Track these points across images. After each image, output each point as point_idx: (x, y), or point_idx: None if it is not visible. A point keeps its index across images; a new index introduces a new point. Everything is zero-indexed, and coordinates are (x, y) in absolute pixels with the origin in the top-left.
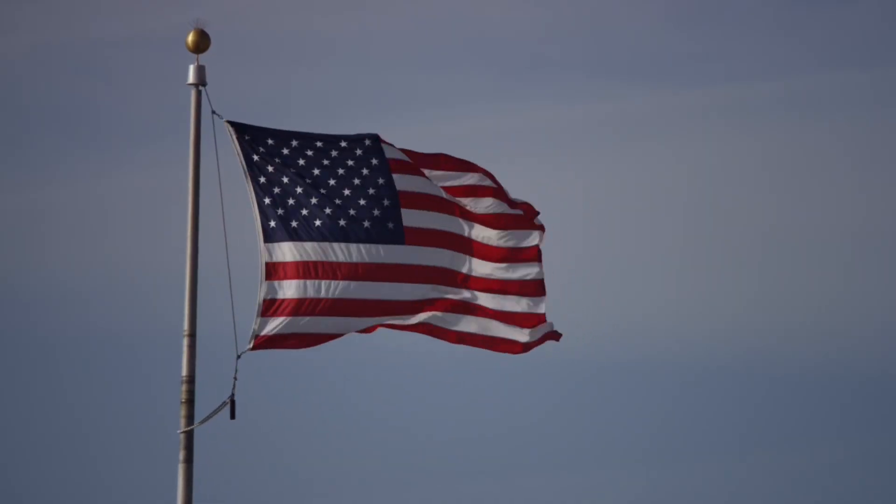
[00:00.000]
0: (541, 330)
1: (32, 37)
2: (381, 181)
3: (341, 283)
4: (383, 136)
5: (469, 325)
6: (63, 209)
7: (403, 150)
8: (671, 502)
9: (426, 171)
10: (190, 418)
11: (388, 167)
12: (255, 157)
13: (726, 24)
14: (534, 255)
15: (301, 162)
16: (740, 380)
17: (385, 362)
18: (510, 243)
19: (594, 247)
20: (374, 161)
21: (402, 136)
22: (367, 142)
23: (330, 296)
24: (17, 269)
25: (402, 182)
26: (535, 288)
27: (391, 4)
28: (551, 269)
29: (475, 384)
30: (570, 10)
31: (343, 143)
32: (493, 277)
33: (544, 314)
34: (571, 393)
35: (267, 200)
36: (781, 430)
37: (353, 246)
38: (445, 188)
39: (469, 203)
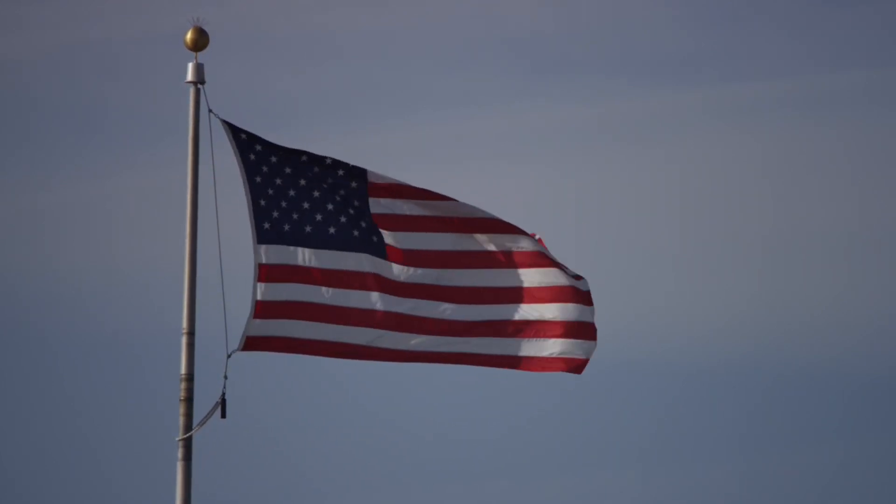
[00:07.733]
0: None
1: (31, 37)
2: (356, 203)
3: (333, 290)
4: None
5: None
6: (63, 209)
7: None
8: (671, 502)
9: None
10: (189, 416)
11: (367, 192)
12: (252, 157)
13: (726, 24)
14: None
15: (289, 170)
16: (740, 380)
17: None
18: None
19: (593, 247)
20: (354, 184)
21: (401, 135)
22: (343, 171)
23: (322, 302)
24: (17, 269)
25: (378, 206)
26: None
27: (392, 4)
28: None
29: (474, 384)
30: (569, 10)
31: (328, 161)
32: (520, 287)
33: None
34: (571, 393)
35: (262, 201)
36: (781, 429)
37: (341, 254)
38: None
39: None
